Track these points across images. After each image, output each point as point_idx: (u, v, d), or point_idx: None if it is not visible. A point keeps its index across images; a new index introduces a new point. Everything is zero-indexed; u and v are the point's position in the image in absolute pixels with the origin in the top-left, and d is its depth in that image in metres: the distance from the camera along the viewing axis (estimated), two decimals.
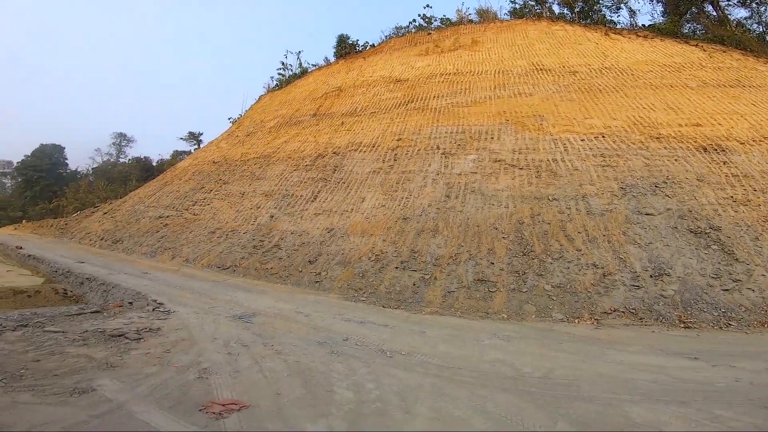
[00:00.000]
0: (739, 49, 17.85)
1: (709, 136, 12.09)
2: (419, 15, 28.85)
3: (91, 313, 6.92)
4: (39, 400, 3.51)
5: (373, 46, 28.29)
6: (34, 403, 3.47)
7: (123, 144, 49.83)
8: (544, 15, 24.82)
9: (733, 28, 20.43)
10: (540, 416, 3.72)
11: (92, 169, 47.39)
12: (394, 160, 14.62)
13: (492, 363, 5.19)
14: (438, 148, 14.42)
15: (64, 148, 46.33)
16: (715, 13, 22.82)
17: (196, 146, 42.34)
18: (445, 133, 15.20)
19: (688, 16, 23.19)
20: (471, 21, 26.27)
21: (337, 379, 4.46)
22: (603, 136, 12.87)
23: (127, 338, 5.45)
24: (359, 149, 16.17)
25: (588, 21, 24.03)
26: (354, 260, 10.63)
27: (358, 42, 29.56)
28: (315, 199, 14.20)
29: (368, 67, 24.57)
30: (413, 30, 27.78)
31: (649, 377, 4.76)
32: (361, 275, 10.07)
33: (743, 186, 10.17)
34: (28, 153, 44.29)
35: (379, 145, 15.95)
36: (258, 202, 15.44)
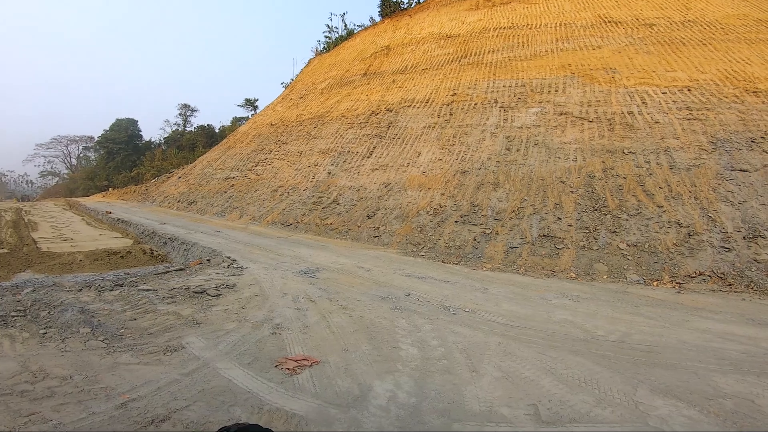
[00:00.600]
0: None
1: None
2: None
3: (176, 271, 7.22)
4: (137, 360, 3.67)
5: (418, 2, 27.07)
6: (134, 363, 3.61)
7: (188, 114, 52.02)
8: None
9: None
10: (617, 381, 3.42)
11: (164, 138, 50.27)
12: (450, 114, 13.99)
13: (561, 324, 4.85)
14: (496, 102, 13.55)
15: (137, 120, 49.50)
16: None
17: (253, 111, 43.48)
18: (503, 87, 14.23)
19: None
20: None
21: (401, 335, 4.39)
22: (689, 89, 11.33)
23: (208, 294, 5.65)
24: (412, 105, 15.66)
25: None
26: (412, 214, 10.47)
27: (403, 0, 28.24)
28: (371, 155, 14.06)
29: (416, 24, 23.53)
30: None
31: (738, 347, 4.23)
32: (419, 230, 9.91)
33: None
34: (107, 128, 47.85)
35: (433, 101, 15.33)
36: (315, 160, 15.60)
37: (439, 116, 14.18)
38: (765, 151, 8.87)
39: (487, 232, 9.05)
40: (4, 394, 2.95)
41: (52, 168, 59.39)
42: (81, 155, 58.24)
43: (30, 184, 63.05)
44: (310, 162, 15.73)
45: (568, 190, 9.34)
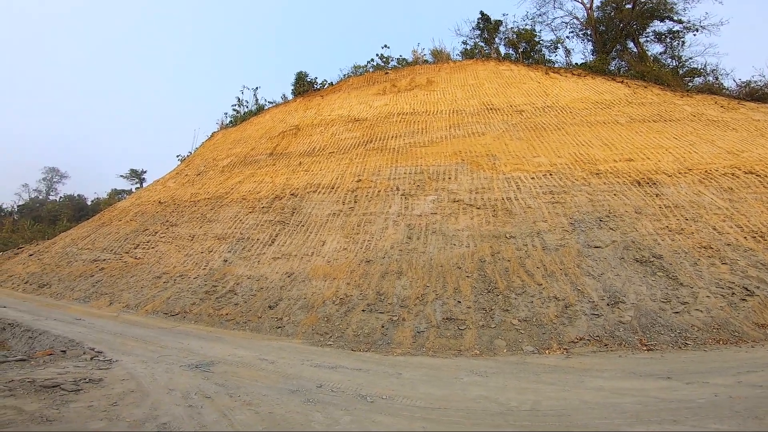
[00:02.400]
0: (658, 84, 19.92)
1: (641, 170, 13.21)
2: (377, 55, 29.72)
3: (16, 361, 6.21)
4: None
5: (331, 84, 28.54)
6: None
7: (55, 180, 45.96)
8: (492, 55, 26.40)
9: (651, 64, 22.67)
10: None
11: (18, 206, 42.93)
12: (355, 201, 14.60)
13: (476, 400, 5.09)
14: (398, 189, 14.63)
15: None
16: (636, 50, 25.44)
17: (139, 185, 40.08)
18: (405, 173, 15.51)
19: (613, 53, 25.67)
20: (426, 61, 27.23)
21: (318, 429, 4.16)
22: (550, 174, 13.73)
23: (63, 389, 4.81)
24: (318, 191, 16.00)
25: (530, 61, 25.80)
26: (317, 304, 10.21)
27: (317, 80, 29.71)
28: (273, 242, 13.69)
29: (326, 105, 24.71)
30: (371, 69, 28.31)
31: (632, 400, 4.86)
32: (326, 319, 9.65)
33: (676, 216, 11.07)
34: None
35: (338, 186, 15.89)
36: (210, 246, 14.60)
37: (344, 203, 14.67)
38: (611, 228, 10.87)
39: (394, 318, 9.21)
40: None
41: None
42: None
43: None
44: (203, 248, 14.66)
45: (465, 275, 10.14)
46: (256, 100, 32.00)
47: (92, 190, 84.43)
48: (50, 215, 36.98)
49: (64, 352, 7.05)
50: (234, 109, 31.80)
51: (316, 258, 12.22)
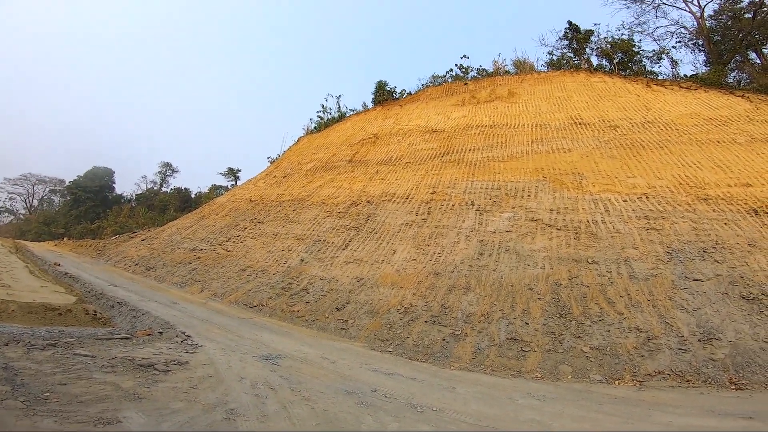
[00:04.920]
0: None
1: (759, 198, 11.61)
2: (456, 65, 29.42)
3: (121, 338, 6.91)
4: (61, 427, 3.45)
5: (410, 93, 28.92)
6: (56, 430, 3.42)
7: (168, 173, 52.23)
8: (582, 67, 24.78)
9: None
10: None
11: (136, 195, 49.63)
12: (428, 213, 14.81)
13: (528, 423, 5.05)
14: (473, 203, 14.52)
15: (114, 171, 49.36)
16: (759, 61, 22.36)
17: (234, 182, 44.19)
18: (481, 188, 15.33)
19: (732, 65, 22.75)
20: (507, 72, 26.42)
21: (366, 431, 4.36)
22: (647, 197, 12.60)
23: (155, 369, 5.42)
24: (393, 200, 16.45)
25: (628, 72, 23.66)
26: (382, 311, 10.59)
27: (396, 89, 30.28)
28: (346, 247, 14.43)
29: (405, 115, 25.02)
30: (450, 79, 28.14)
31: None
32: (388, 326, 9.98)
33: None
34: (81, 174, 47.39)
35: (412, 197, 16.21)
36: (290, 245, 15.80)
37: (417, 214, 14.97)
38: (717, 261, 9.71)
39: (457, 333, 9.25)
40: None
41: (11, 205, 57.00)
42: (45, 197, 56.56)
43: None
44: (284, 246, 15.91)
45: (536, 297, 9.82)
46: (339, 107, 33.18)
47: (196, 184, 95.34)
48: (161, 204, 42.25)
49: (160, 333, 7.85)
50: (318, 116, 33.33)
51: (386, 266, 12.63)
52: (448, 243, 12.84)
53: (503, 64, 27.30)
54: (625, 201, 12.69)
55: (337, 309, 11.18)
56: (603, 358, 7.80)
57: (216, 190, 43.13)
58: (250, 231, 18.49)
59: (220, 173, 46.79)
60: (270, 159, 33.38)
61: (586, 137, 16.91)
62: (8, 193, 55.93)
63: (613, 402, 6.12)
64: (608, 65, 25.24)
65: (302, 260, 14.39)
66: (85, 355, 5.50)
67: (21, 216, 55.04)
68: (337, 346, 9.00)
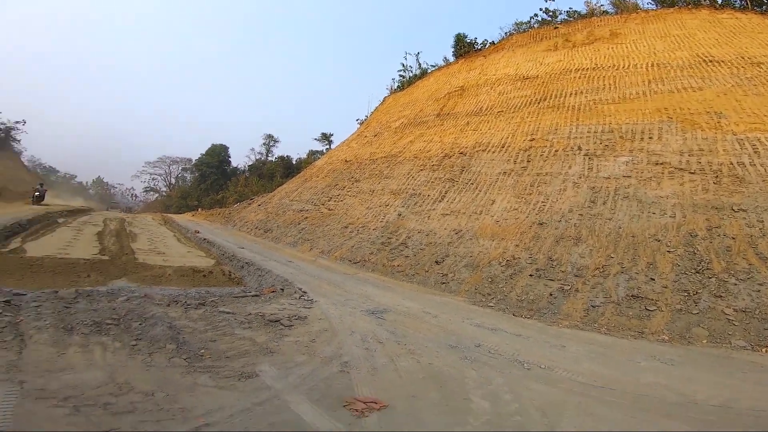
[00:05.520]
0: None
1: None
2: (541, 9, 26.70)
3: (252, 296, 7.26)
4: (214, 382, 3.65)
5: (492, 43, 27.16)
6: (211, 386, 3.60)
7: (271, 144, 55.78)
8: (703, 2, 20.95)
9: None
10: None
11: (248, 166, 54.16)
12: (527, 161, 13.44)
13: (651, 387, 4.38)
14: (579, 149, 12.79)
15: (228, 147, 54.18)
16: None
17: (328, 146, 45.64)
18: (588, 132, 13.45)
19: None
20: (605, 12, 23.71)
21: (472, 386, 4.11)
22: None
23: (281, 324, 5.63)
24: (487, 150, 15.32)
25: (765, 8, 19.54)
26: (483, 264, 9.96)
27: (477, 40, 28.67)
28: (442, 199, 13.84)
29: (490, 65, 23.45)
30: (536, 25, 26.03)
31: None
32: (490, 280, 9.36)
33: None
34: (203, 152, 52.91)
35: (509, 146, 14.89)
36: (387, 200, 15.70)
37: (515, 162, 13.69)
38: None
39: (566, 288, 8.30)
40: (87, 405, 2.94)
41: (154, 184, 66.50)
42: (179, 175, 64.65)
43: (134, 198, 70.60)
44: (381, 202, 15.87)
45: (664, 250, 8.35)
46: (419, 64, 32.41)
47: (295, 151, 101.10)
48: (269, 172, 45.57)
49: (282, 290, 8.10)
50: (400, 75, 32.85)
51: (485, 217, 11.83)
52: (552, 191, 11.52)
53: (599, 5, 24.38)
54: None
55: (437, 263, 10.81)
56: (750, 322, 6.40)
57: (313, 155, 45.03)
58: (349, 189, 18.82)
59: (315, 139, 48.75)
60: (359, 121, 33.87)
61: (722, 75, 13.83)
62: (150, 174, 65.03)
63: (760, 371, 5.13)
64: (738, 1, 20.96)
65: (399, 215, 14.19)
66: (228, 313, 5.87)
67: (163, 193, 63.74)
68: (437, 300, 8.71)
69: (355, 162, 21.77)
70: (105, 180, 73.12)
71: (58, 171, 64.97)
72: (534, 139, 14.42)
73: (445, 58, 30.01)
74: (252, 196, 33.19)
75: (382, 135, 23.56)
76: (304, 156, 47.25)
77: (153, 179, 65.65)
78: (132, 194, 71.20)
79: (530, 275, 8.97)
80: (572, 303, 7.87)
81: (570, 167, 12.16)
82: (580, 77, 17.30)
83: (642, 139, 12.06)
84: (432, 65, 30.97)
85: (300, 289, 8.30)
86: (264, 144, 55.68)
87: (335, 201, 18.46)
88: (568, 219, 10.22)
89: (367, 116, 32.06)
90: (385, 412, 3.39)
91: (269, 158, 53.58)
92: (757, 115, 11.27)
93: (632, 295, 7.54)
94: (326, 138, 47.95)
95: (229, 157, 54.05)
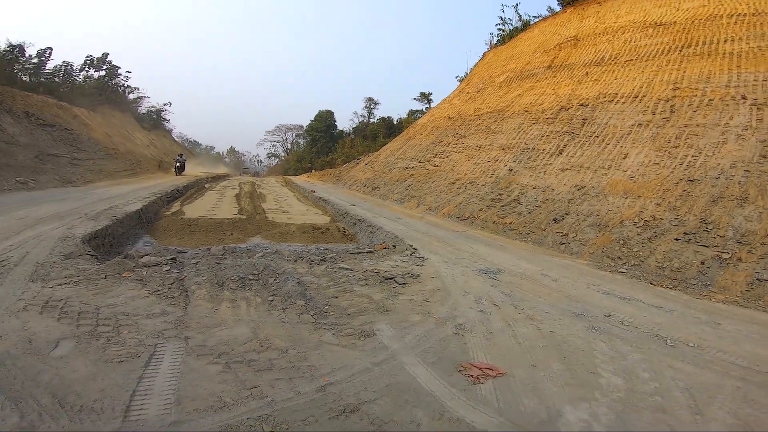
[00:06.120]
0: None
1: None
2: None
3: (366, 253, 7.24)
4: (337, 341, 3.64)
5: None
6: (334, 344, 3.58)
7: (371, 107, 56.44)
8: None
9: None
10: None
11: (352, 128, 55.79)
12: (671, 112, 11.12)
13: None
14: (743, 98, 10.15)
15: (334, 112, 56.19)
16: None
17: (428, 105, 44.30)
18: (753, 80, 10.62)
19: None
20: None
21: (601, 360, 3.54)
22: None
23: (396, 282, 5.46)
24: (615, 100, 13.10)
25: None
26: (613, 224, 8.64)
27: None
28: (560, 153, 12.33)
29: (608, 12, 19.83)
30: None
31: None
32: (621, 242, 8.09)
33: None
34: (312, 118, 55.66)
35: (644, 96, 12.50)
36: (495, 155, 14.59)
37: (654, 113, 11.43)
38: None
39: (724, 256, 6.75)
40: (237, 362, 3.09)
41: (274, 151, 72.71)
42: (293, 141, 69.59)
43: (260, 163, 78.24)
44: (489, 157, 14.80)
45: None
46: (519, 16, 29.59)
47: (395, 112, 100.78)
48: (372, 134, 46.25)
49: (394, 246, 7.96)
50: (499, 29, 30.29)
51: (615, 172, 10.22)
52: (707, 144, 9.37)
53: None
54: None
55: (555, 221, 9.73)
56: None
57: (413, 115, 44.20)
58: (454, 146, 17.95)
59: (414, 99, 47.63)
60: (458, 78, 32.20)
61: None
62: (270, 142, 70.80)
63: None
64: None
65: (511, 170, 13.08)
66: (347, 269, 5.86)
67: (282, 157, 69.16)
68: (556, 262, 7.77)
69: (459, 118, 20.59)
70: (236, 149, 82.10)
71: (200, 144, 74.64)
72: (678, 88, 11.86)
73: (550, 8, 26.59)
74: (358, 157, 34.01)
75: (485, 90, 21.84)
76: (405, 116, 46.81)
77: (273, 146, 71.84)
78: (258, 160, 78.95)
79: (676, 239, 7.50)
80: (731, 274, 6.39)
81: (731, 118, 9.71)
82: (735, 23, 13.66)
83: None
84: (534, 17, 27.97)
85: (410, 245, 8.00)
86: (366, 107, 56.74)
87: (440, 158, 17.79)
88: (729, 176, 8.23)
89: (467, 73, 30.29)
90: (501, 380, 3.10)
91: (371, 120, 54.29)
92: None
93: None
94: (425, 97, 46.62)
95: (335, 121, 56.16)
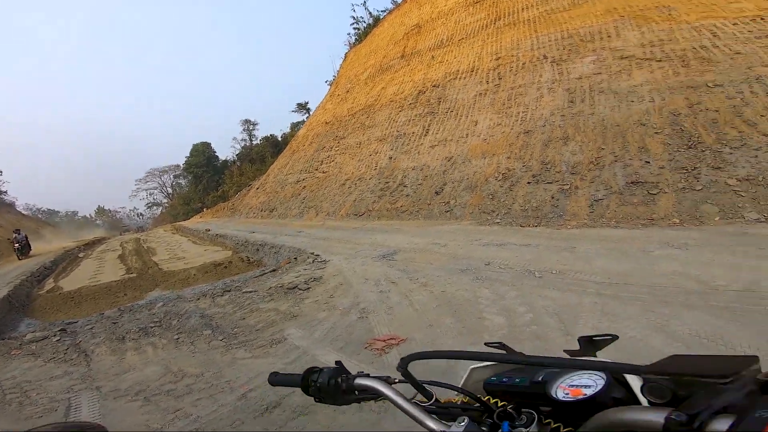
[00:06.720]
0: None
1: None
2: None
3: (270, 272, 7.29)
4: (250, 354, 3.72)
5: None
6: (248, 357, 3.65)
7: (251, 129, 53.57)
8: None
9: None
10: (747, 335, 2.68)
11: (236, 155, 52.52)
12: (499, 78, 12.83)
13: (668, 276, 3.98)
14: (545, 57, 12.18)
15: (210, 143, 52.30)
16: None
17: (307, 114, 43.88)
18: (549, 41, 12.81)
19: None
20: None
21: (485, 305, 3.94)
22: (762, 18, 9.40)
23: (299, 289, 5.60)
24: (458, 77, 14.64)
25: None
26: (480, 183, 9.76)
27: None
28: (427, 133, 13.40)
29: None
30: None
31: None
32: (491, 197, 9.20)
33: None
34: (187, 154, 51.06)
35: (477, 68, 14.20)
36: (375, 148, 15.26)
37: (488, 82, 13.08)
38: None
39: (565, 188, 8.12)
40: (156, 395, 3.15)
41: (153, 199, 65.00)
42: (174, 183, 62.98)
43: (140, 216, 69.47)
44: (369, 150, 15.42)
45: (652, 132, 8.08)
46: (369, 13, 31.36)
47: (277, 128, 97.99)
48: (258, 156, 44.12)
49: (295, 259, 8.07)
50: (354, 28, 31.85)
51: (471, 138, 11.48)
52: (530, 100, 11.06)
53: None
54: (735, 24, 9.55)
55: (436, 193, 10.62)
56: (756, 191, 6.03)
57: (296, 126, 43.34)
58: (336, 149, 18.28)
59: (293, 111, 46.81)
60: (328, 82, 32.36)
61: None
62: (145, 191, 63.13)
63: None
64: None
65: (390, 158, 13.82)
66: (251, 292, 5.87)
67: (165, 204, 62.26)
68: (445, 230, 8.54)
69: (336, 121, 20.99)
70: (106, 208, 71.64)
71: (58, 211, 63.25)
72: (500, 57, 13.72)
73: (393, 0, 28.42)
74: (249, 183, 32.48)
75: (353, 89, 22.56)
76: (288, 130, 45.59)
77: (150, 194, 64.11)
78: (137, 213, 70.01)
79: (528, 183, 8.78)
80: (575, 201, 7.70)
81: (541, 75, 11.60)
82: None
83: (602, 38, 11.47)
84: (382, 11, 29.78)
85: (312, 253, 8.12)
86: (244, 129, 53.63)
87: (327, 163, 17.97)
88: (551, 122, 9.87)
89: (334, 76, 30.65)
90: (404, 345, 3.35)
91: (254, 142, 51.85)
92: (705, 5, 10.72)
93: (632, 182, 7.31)
94: (303, 107, 45.97)
95: (215, 152, 52.47)
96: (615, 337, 0.66)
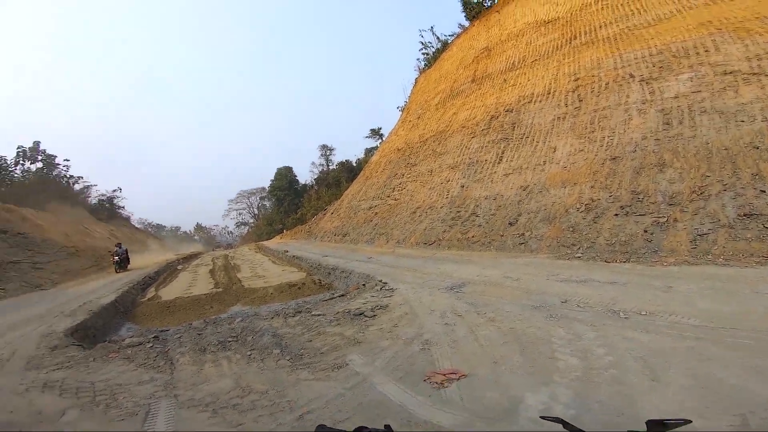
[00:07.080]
0: None
1: None
2: None
3: (339, 296, 7.52)
4: (313, 376, 3.81)
5: None
6: (310, 379, 3.74)
7: (328, 154, 56.47)
8: None
9: None
10: None
11: (314, 179, 55.56)
12: (579, 101, 12.01)
13: None
14: (632, 76, 11.14)
15: (292, 167, 56.24)
16: None
17: (380, 140, 45.24)
18: (634, 59, 11.73)
19: None
20: None
21: (558, 345, 3.63)
22: None
23: (365, 316, 5.70)
24: (533, 100, 14.01)
25: None
26: (560, 214, 9.07)
27: None
28: (501, 160, 12.94)
29: (507, 19, 21.46)
30: None
31: None
32: (571, 229, 8.47)
33: None
34: (272, 178, 55.34)
35: (554, 91, 13.46)
36: (446, 176, 15.11)
37: (567, 105, 12.32)
38: None
39: (661, 220, 7.18)
40: (223, 408, 3.35)
41: (242, 219, 71.39)
42: (260, 205, 68.65)
43: (230, 234, 76.45)
44: (441, 179, 15.30)
45: (767, 156, 6.86)
46: (437, 38, 31.08)
47: (352, 153, 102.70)
48: (334, 181, 46.26)
49: (364, 285, 8.18)
50: (423, 53, 31.81)
51: (550, 165, 10.81)
52: (616, 123, 10.13)
53: None
54: None
55: (510, 224, 10.10)
56: None
57: (370, 152, 44.78)
58: (408, 176, 18.46)
59: (366, 137, 48.57)
60: (400, 108, 33.10)
61: None
62: (236, 211, 69.65)
63: None
64: None
65: (462, 186, 13.54)
66: (319, 315, 6.10)
67: (251, 224, 67.96)
68: (519, 262, 8.03)
69: (407, 148, 21.30)
70: (203, 225, 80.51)
71: (165, 226, 72.49)
72: (578, 78, 12.89)
73: (460, 24, 28.37)
74: (325, 207, 34.08)
75: (424, 115, 22.80)
76: (362, 155, 47.08)
77: (239, 214, 70.58)
78: (228, 231, 77.29)
79: (615, 215, 7.94)
80: (674, 236, 6.77)
81: (628, 96, 10.60)
82: (603, 9, 15.20)
83: (698, 54, 10.19)
84: (450, 35, 29.56)
85: (380, 281, 8.13)
86: (322, 155, 56.57)
87: (398, 190, 18.22)
88: (643, 147, 8.89)
89: (406, 102, 31.28)
90: (465, 381, 3.20)
91: (330, 167, 54.57)
92: None
93: (744, 214, 6.26)
94: (376, 133, 47.32)
95: (296, 176, 56.11)
96: (688, 421, 0.61)
